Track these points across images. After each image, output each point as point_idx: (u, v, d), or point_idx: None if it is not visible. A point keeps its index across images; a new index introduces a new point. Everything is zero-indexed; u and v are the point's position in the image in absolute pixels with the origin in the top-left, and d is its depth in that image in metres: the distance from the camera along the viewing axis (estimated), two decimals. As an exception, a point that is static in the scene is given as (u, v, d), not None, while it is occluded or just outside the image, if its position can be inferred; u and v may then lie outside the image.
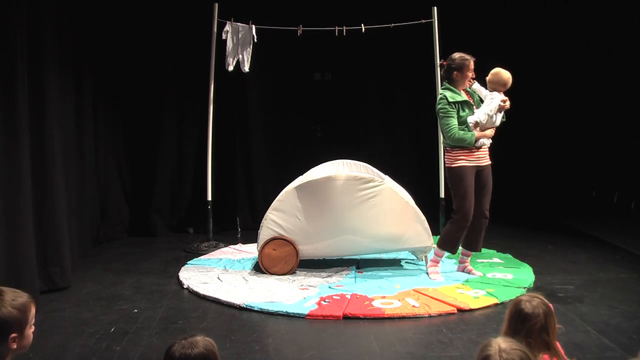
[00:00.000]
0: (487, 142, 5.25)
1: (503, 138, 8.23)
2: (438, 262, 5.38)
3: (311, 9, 7.22)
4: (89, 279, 5.54)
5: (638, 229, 6.91)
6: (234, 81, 7.11)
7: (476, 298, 4.79)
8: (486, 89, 5.31)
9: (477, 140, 5.13)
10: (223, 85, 6.89)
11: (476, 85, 5.37)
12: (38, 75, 4.98)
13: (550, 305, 2.50)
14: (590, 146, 8.29)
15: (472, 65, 5.23)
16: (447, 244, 5.29)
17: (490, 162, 5.34)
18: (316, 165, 6.05)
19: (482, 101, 5.32)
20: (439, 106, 5.19)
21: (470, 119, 5.15)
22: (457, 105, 5.15)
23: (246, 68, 6.56)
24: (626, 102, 7.73)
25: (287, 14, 7.05)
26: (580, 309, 4.57)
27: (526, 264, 5.72)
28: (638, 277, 5.36)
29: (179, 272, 5.66)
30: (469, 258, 5.49)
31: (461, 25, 7.62)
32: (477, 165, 5.21)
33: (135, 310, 4.69)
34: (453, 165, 5.18)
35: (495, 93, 5.21)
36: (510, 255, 6.04)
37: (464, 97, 5.22)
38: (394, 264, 5.85)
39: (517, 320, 2.44)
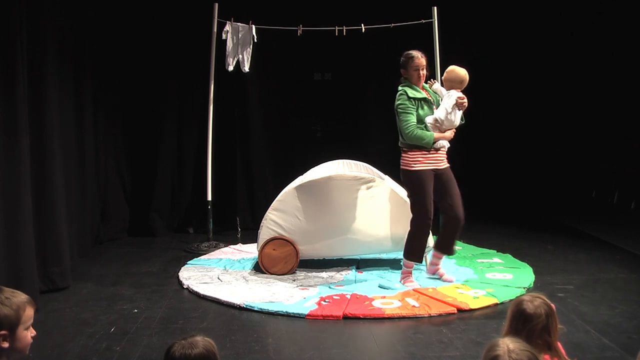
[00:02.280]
0: (446, 144, 5.06)
1: (504, 138, 8.32)
2: (410, 273, 5.15)
3: (311, 9, 7.23)
4: (89, 279, 5.54)
5: (638, 229, 6.90)
6: (234, 81, 7.11)
7: (476, 298, 4.79)
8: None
9: (435, 141, 4.95)
10: (223, 85, 6.90)
11: (437, 86, 5.24)
12: (38, 75, 4.98)
13: (553, 305, 2.48)
14: (590, 146, 8.29)
15: (418, 61, 5.05)
16: (412, 254, 5.08)
17: (448, 165, 5.13)
18: (316, 165, 6.05)
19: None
20: (398, 102, 4.99)
21: (429, 118, 4.98)
22: (416, 102, 4.99)
23: (246, 68, 6.56)
24: (627, 102, 7.73)
25: (287, 14, 7.05)
26: (580, 309, 4.56)
27: (526, 264, 5.72)
28: (638, 277, 5.36)
29: (179, 272, 5.66)
30: (441, 261, 5.30)
31: (461, 25, 7.63)
32: (435, 168, 5.00)
33: (135, 310, 4.69)
34: (411, 169, 4.96)
35: (452, 91, 5.08)
36: (510, 255, 6.04)
37: (423, 94, 5.06)
38: (394, 264, 5.85)
39: (519, 321, 2.41)
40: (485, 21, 7.88)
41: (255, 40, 6.51)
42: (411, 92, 5.00)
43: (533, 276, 5.36)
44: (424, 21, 6.47)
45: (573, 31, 8.01)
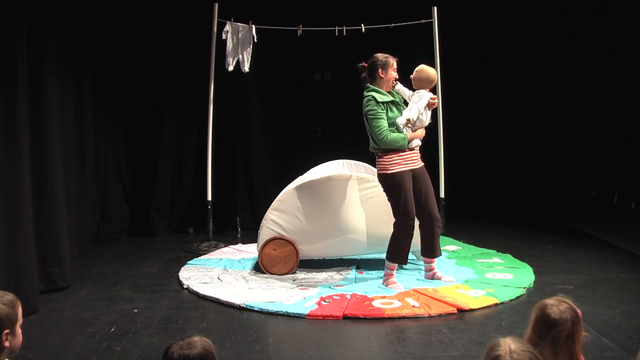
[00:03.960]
0: (419, 142, 5.04)
1: (504, 138, 8.31)
2: (392, 275, 5.09)
3: (311, 9, 7.22)
4: (88, 279, 5.54)
5: (638, 229, 6.90)
6: (234, 81, 7.11)
7: (476, 298, 4.79)
8: (409, 89, 5.19)
9: (410, 141, 4.93)
10: (223, 86, 6.90)
11: (399, 86, 5.20)
12: (38, 75, 4.98)
13: (579, 311, 2.38)
14: (590, 146, 8.29)
15: (395, 64, 5.06)
16: (396, 256, 5.01)
17: (423, 164, 5.12)
18: (316, 165, 6.05)
19: (405, 103, 5.15)
20: (367, 108, 4.94)
21: (400, 119, 4.93)
22: (385, 105, 4.96)
23: (246, 68, 6.56)
24: (627, 102, 7.74)
25: (287, 14, 7.05)
26: (580, 309, 4.53)
27: (526, 264, 5.72)
28: (638, 277, 5.36)
29: (179, 272, 5.66)
30: (434, 264, 5.26)
31: (461, 25, 7.63)
32: (412, 169, 4.98)
33: (135, 310, 4.69)
34: (389, 172, 4.93)
35: (422, 91, 5.07)
36: (510, 255, 6.03)
37: (390, 97, 5.03)
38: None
39: (543, 326, 2.31)
40: (485, 21, 7.88)
41: (255, 40, 6.51)
42: (379, 97, 4.97)
43: (533, 276, 5.36)
44: (424, 21, 6.48)
45: (573, 31, 8.00)
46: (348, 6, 7.29)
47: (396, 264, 5.12)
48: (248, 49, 6.51)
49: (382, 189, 5.30)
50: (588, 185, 8.46)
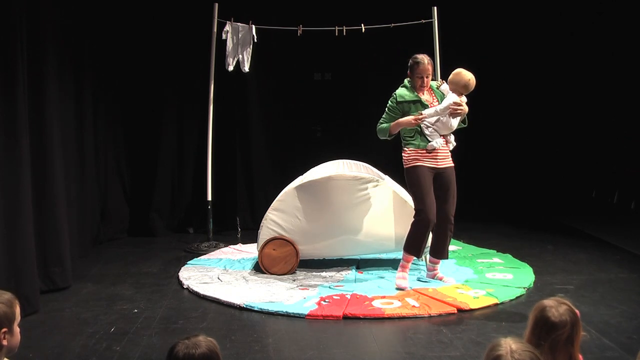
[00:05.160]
0: (437, 145, 4.94)
1: (504, 138, 8.32)
2: (406, 268, 5.10)
3: (311, 9, 7.23)
4: (89, 279, 5.54)
5: (638, 229, 6.91)
6: (234, 81, 7.11)
7: (476, 298, 4.79)
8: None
9: (392, 130, 4.98)
10: (223, 86, 6.90)
11: (444, 87, 5.11)
12: (38, 75, 4.98)
13: (577, 312, 2.35)
14: (590, 146, 8.30)
15: (422, 68, 4.97)
16: (411, 247, 5.03)
17: (452, 165, 5.08)
18: (316, 165, 6.05)
19: None
20: (388, 102, 5.09)
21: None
22: (406, 104, 4.97)
23: (246, 68, 6.56)
24: (627, 102, 7.74)
25: (287, 14, 7.06)
26: (580, 309, 4.52)
27: (526, 264, 5.72)
28: (638, 277, 5.36)
29: (179, 272, 5.66)
30: (438, 265, 5.27)
31: (461, 25, 7.63)
32: (434, 167, 4.96)
33: (135, 310, 4.69)
34: (408, 166, 4.99)
35: (452, 94, 4.95)
36: (510, 255, 6.04)
37: (415, 97, 5.00)
38: (394, 264, 5.84)
39: (543, 329, 2.28)
40: (485, 21, 7.88)
41: (255, 40, 6.51)
42: (400, 94, 5.03)
43: (533, 276, 5.36)
44: (424, 21, 6.48)
45: (573, 31, 8.01)
46: (348, 6, 7.30)
47: (412, 257, 5.11)
48: (248, 49, 6.51)
49: (381, 189, 5.38)
50: (588, 185, 8.46)
